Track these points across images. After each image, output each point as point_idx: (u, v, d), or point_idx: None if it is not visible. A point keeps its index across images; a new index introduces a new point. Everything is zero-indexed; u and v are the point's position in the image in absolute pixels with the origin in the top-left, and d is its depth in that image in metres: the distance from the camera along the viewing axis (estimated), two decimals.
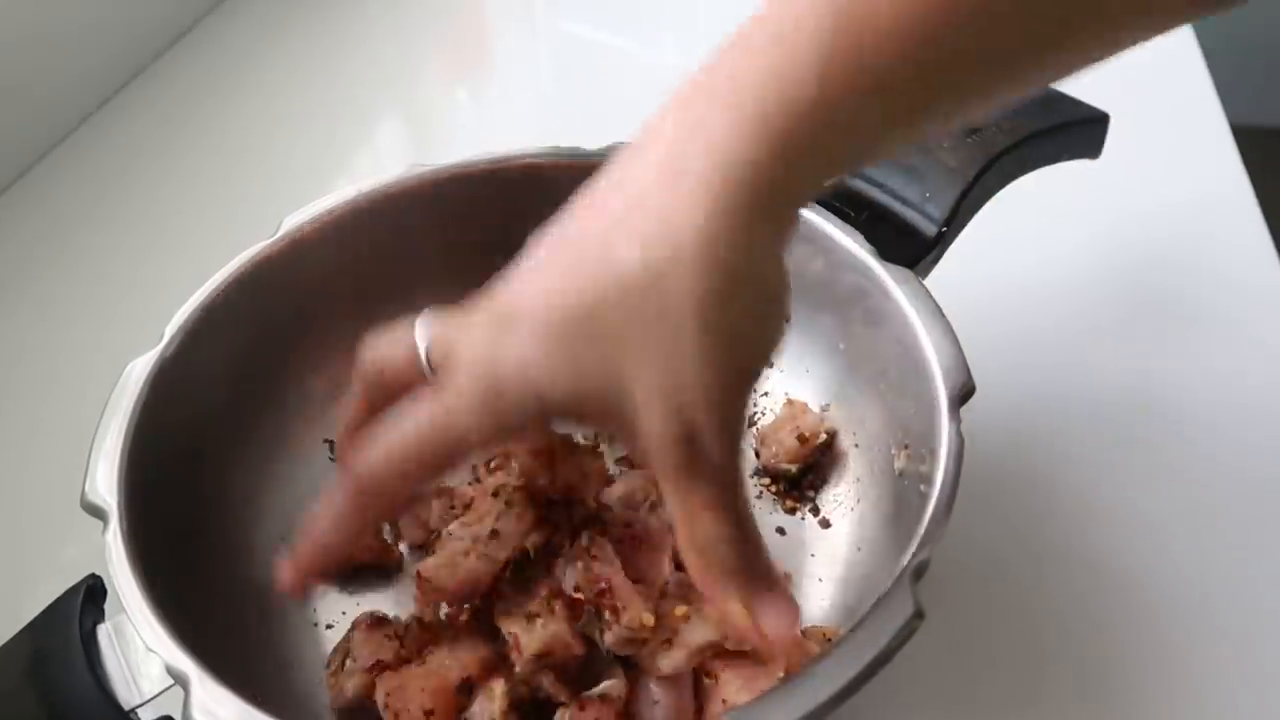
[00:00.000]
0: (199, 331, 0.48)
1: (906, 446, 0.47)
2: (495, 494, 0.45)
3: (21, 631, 0.39)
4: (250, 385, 0.51)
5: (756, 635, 0.34)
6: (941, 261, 0.52)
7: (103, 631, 0.39)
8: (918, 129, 0.35)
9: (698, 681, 0.43)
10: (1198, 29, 0.80)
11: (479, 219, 0.56)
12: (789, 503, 0.52)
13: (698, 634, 0.42)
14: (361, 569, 0.49)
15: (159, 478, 0.44)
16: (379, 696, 0.42)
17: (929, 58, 0.32)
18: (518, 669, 0.41)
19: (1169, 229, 0.67)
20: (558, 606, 0.42)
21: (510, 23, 0.98)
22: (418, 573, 0.43)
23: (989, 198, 0.54)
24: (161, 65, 0.90)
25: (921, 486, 0.42)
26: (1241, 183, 0.69)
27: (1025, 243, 0.66)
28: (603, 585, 0.42)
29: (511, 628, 0.42)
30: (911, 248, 0.51)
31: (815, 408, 0.53)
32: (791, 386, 0.54)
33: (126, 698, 0.37)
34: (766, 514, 0.52)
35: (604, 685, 0.42)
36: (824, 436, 0.51)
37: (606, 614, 0.41)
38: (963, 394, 0.43)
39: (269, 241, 0.51)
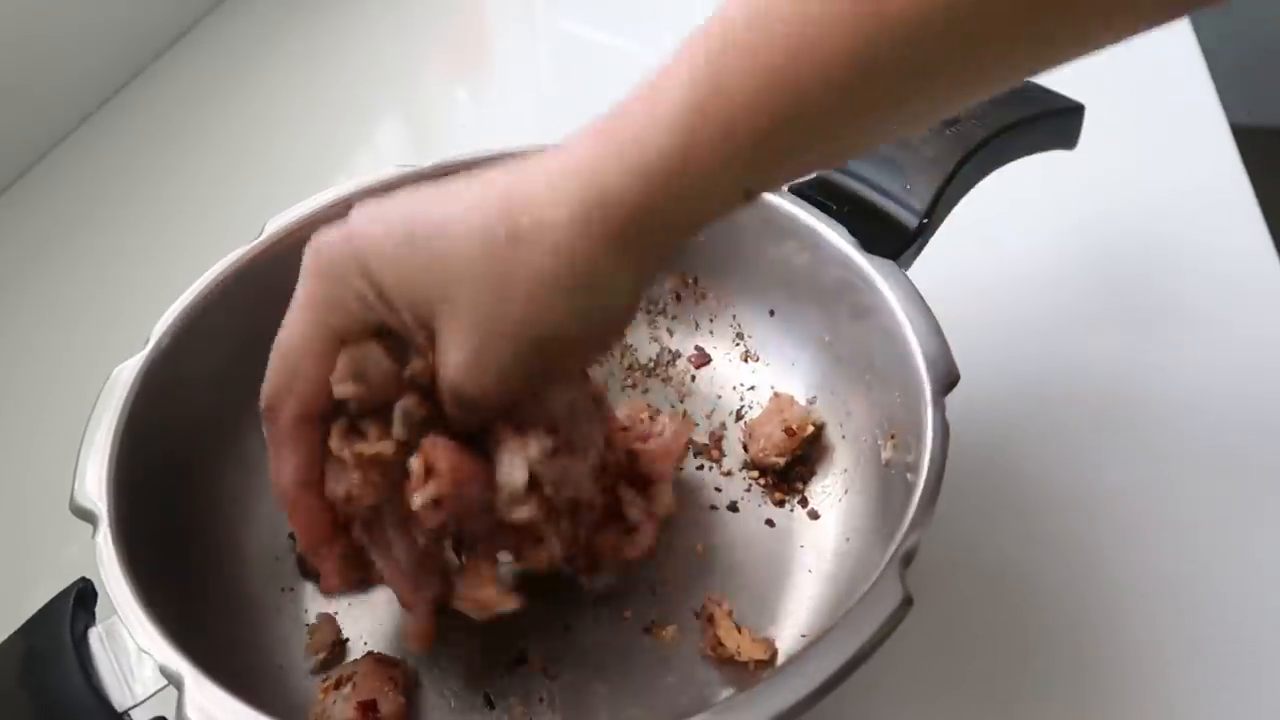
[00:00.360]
0: (185, 334, 0.48)
1: (893, 436, 0.47)
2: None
3: (13, 636, 0.39)
4: (237, 386, 0.50)
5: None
6: (934, 255, 0.52)
7: (94, 635, 0.39)
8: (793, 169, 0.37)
9: None
10: (1198, 29, 0.80)
11: None
12: (777, 495, 0.52)
13: None
14: None
15: (147, 480, 0.44)
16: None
17: (797, 118, 0.33)
18: None
19: (1167, 227, 0.67)
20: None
21: (510, 23, 0.98)
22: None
23: (969, 189, 0.54)
24: (161, 65, 0.90)
25: (908, 475, 0.43)
26: (1241, 182, 0.69)
27: (1024, 243, 0.66)
28: None
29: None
30: (893, 239, 0.51)
31: (802, 400, 0.53)
32: (778, 380, 0.55)
33: (120, 700, 0.37)
34: (755, 506, 0.52)
35: None
36: (811, 429, 0.52)
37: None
38: (947, 383, 0.44)
39: (253, 244, 0.51)
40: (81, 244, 0.74)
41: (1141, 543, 0.51)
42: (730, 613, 0.46)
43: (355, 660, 0.46)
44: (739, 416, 0.55)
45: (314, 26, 0.95)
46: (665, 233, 0.36)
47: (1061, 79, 0.77)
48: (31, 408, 0.63)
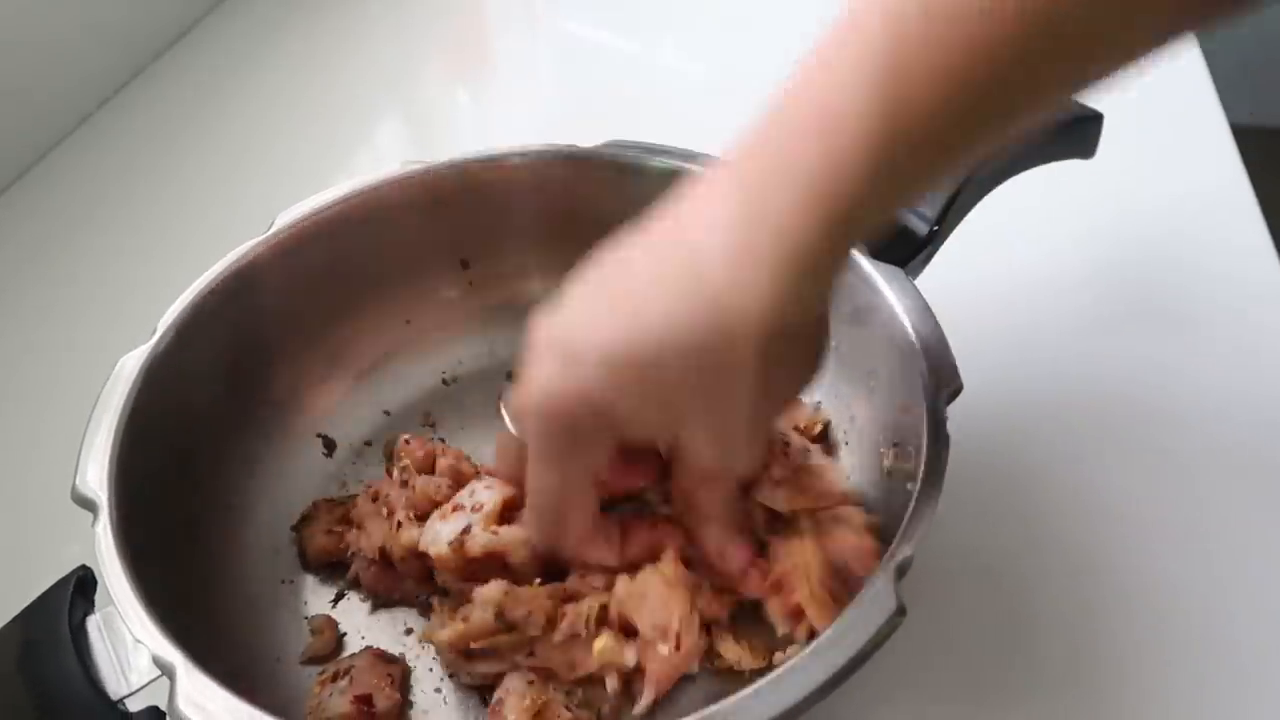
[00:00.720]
0: (191, 326, 0.48)
1: (895, 445, 0.47)
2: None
3: (12, 622, 0.40)
4: (241, 380, 0.51)
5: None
6: (938, 260, 0.52)
7: (92, 623, 0.39)
8: (956, 169, 0.40)
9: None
10: None
11: (472, 215, 0.56)
12: None
13: None
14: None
15: (149, 470, 0.44)
16: None
17: (969, 119, 0.33)
18: None
19: (1168, 229, 0.67)
20: None
21: (510, 23, 0.98)
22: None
23: (982, 196, 0.53)
24: (161, 65, 0.90)
25: (908, 485, 0.42)
26: (1241, 183, 0.69)
27: (1023, 243, 0.66)
28: None
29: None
30: (903, 246, 0.51)
31: (808, 405, 0.53)
32: None
33: (115, 688, 0.37)
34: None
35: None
36: (819, 427, 0.51)
37: None
38: (950, 393, 0.44)
39: (260, 238, 0.52)
40: (81, 244, 0.74)
41: (1150, 554, 0.51)
42: (725, 624, 0.46)
43: (353, 654, 0.46)
44: None
45: (314, 26, 0.95)
46: (843, 263, 0.38)
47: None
48: (31, 405, 0.63)
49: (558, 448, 0.40)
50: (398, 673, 0.45)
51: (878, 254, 0.49)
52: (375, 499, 0.49)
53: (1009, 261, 0.65)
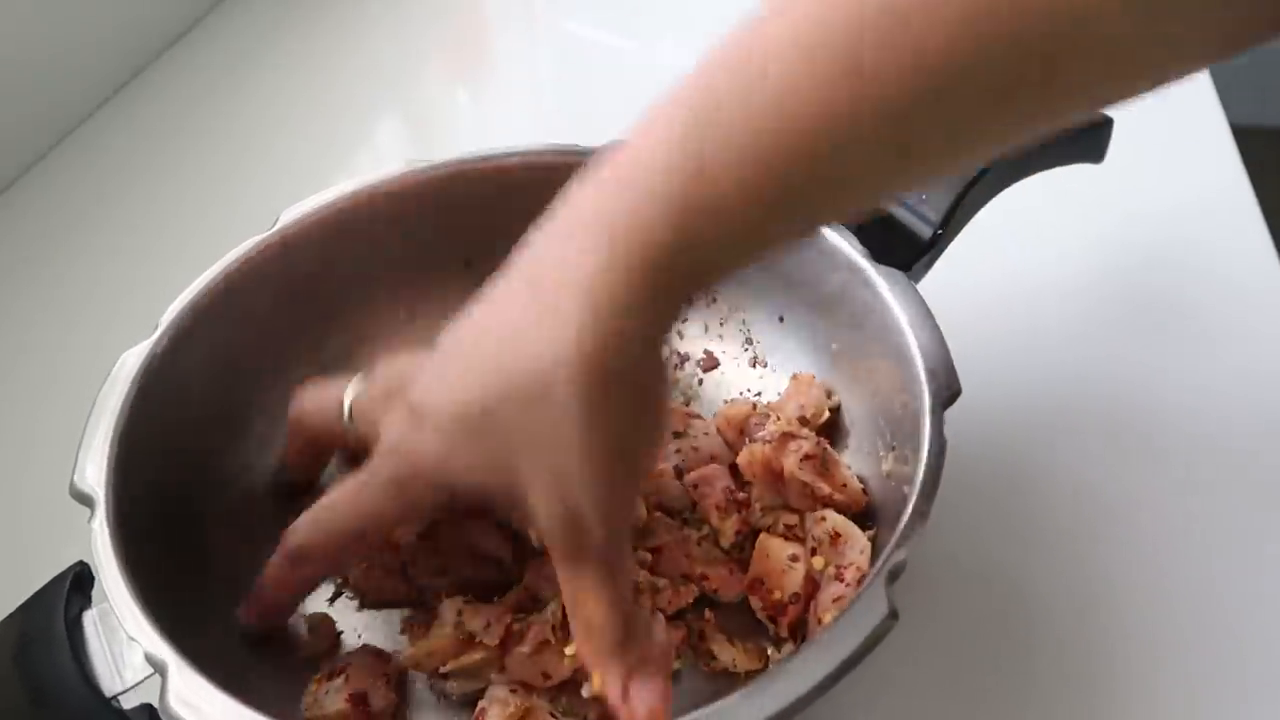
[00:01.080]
0: (191, 324, 0.48)
1: (894, 448, 0.47)
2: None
3: (9, 616, 0.40)
4: (241, 378, 0.51)
5: (625, 713, 0.37)
6: (941, 263, 0.52)
7: (88, 618, 0.39)
8: (786, 239, 0.39)
9: None
10: None
11: (475, 215, 0.56)
12: None
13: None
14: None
15: (147, 468, 0.44)
16: None
17: (775, 206, 0.35)
18: None
19: (1168, 230, 0.67)
20: None
21: (510, 23, 0.98)
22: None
23: (986, 201, 0.53)
24: (161, 65, 0.90)
25: (905, 488, 0.42)
26: (1242, 184, 0.69)
27: (1023, 244, 0.66)
28: None
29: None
30: (907, 250, 0.51)
31: (818, 388, 0.53)
32: (784, 387, 0.54)
33: (109, 685, 0.37)
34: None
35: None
36: (826, 414, 0.51)
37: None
38: (948, 397, 0.43)
39: (264, 235, 0.52)
40: (81, 243, 0.74)
41: (1145, 551, 0.51)
42: (718, 626, 0.46)
43: (350, 652, 0.46)
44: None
45: (314, 26, 0.95)
46: (679, 305, 0.37)
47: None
48: (32, 403, 0.63)
49: (391, 491, 0.41)
50: (394, 671, 0.45)
51: (880, 257, 0.49)
52: None
53: (1009, 263, 0.65)
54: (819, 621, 0.43)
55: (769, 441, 0.48)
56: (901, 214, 0.52)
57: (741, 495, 0.49)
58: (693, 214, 0.34)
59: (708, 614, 0.47)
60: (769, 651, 0.45)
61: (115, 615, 0.38)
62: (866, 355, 0.49)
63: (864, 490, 0.48)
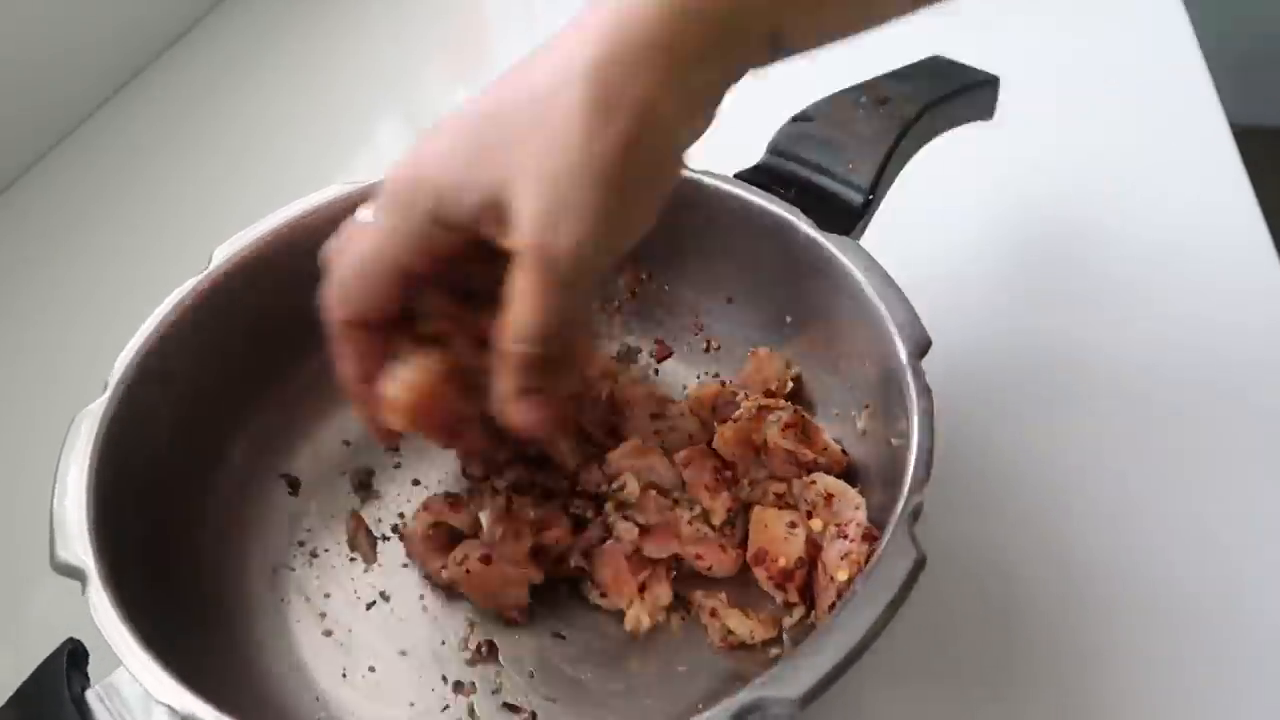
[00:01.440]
0: (143, 376, 0.46)
1: (867, 406, 0.48)
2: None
3: (7, 704, 0.38)
4: (202, 425, 0.50)
5: (504, 413, 0.40)
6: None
7: (92, 695, 0.38)
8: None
9: None
10: (1198, 29, 0.80)
11: None
12: None
13: None
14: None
15: (125, 531, 0.42)
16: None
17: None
18: None
19: (1168, 230, 0.67)
20: None
21: (510, 23, 0.98)
22: None
23: (905, 163, 0.56)
24: (161, 65, 0.90)
25: (893, 440, 0.43)
26: (1242, 183, 0.69)
27: (1022, 245, 0.66)
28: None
29: None
30: (842, 219, 0.52)
31: (778, 360, 0.54)
32: (740, 366, 0.55)
33: None
34: None
35: None
36: (790, 384, 0.52)
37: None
38: (921, 348, 0.44)
39: (201, 276, 0.50)
40: (80, 243, 0.74)
41: (1138, 542, 0.51)
42: (730, 601, 0.47)
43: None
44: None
45: (314, 26, 0.95)
46: (700, 60, 0.37)
47: (1061, 80, 0.77)
48: (31, 408, 0.63)
49: (388, 224, 0.40)
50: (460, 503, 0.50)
51: (820, 226, 0.50)
52: None
53: (1007, 263, 0.65)
54: (831, 579, 0.44)
55: (749, 418, 0.50)
56: (832, 184, 0.54)
57: (728, 473, 0.50)
58: None
59: (720, 594, 0.47)
60: (782, 620, 0.46)
61: (126, 683, 0.37)
62: (828, 321, 0.50)
63: (843, 450, 0.50)
